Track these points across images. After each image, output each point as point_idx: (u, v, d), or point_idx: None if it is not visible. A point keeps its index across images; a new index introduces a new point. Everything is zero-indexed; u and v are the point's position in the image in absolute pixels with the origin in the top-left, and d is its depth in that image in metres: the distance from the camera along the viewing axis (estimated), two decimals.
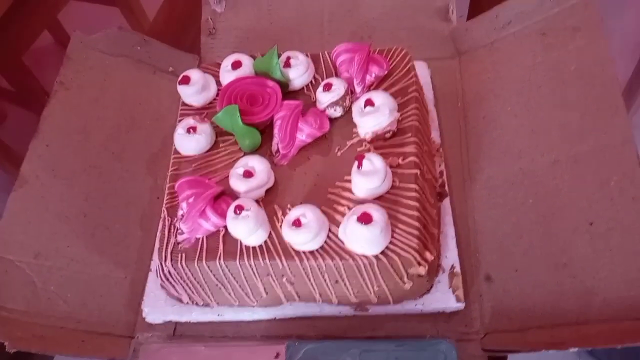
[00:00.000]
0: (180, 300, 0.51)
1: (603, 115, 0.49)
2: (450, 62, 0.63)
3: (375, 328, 0.48)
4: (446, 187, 0.53)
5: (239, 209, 0.44)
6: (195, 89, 0.53)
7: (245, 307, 0.50)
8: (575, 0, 0.55)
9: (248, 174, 0.47)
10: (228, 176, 0.48)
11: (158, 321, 0.52)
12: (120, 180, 0.59)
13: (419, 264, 0.44)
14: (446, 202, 0.52)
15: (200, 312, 0.51)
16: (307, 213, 0.44)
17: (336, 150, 0.50)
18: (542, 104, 0.53)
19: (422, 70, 0.60)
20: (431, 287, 0.48)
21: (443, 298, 0.47)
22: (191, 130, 0.50)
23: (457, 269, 0.48)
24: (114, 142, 0.60)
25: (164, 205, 0.49)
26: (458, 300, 0.47)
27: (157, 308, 0.51)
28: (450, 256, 0.49)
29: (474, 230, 0.52)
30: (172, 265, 0.46)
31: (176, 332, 0.51)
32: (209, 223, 0.46)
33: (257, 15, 0.68)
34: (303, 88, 0.54)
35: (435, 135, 0.56)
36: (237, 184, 0.47)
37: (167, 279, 0.48)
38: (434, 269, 0.48)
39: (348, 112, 0.51)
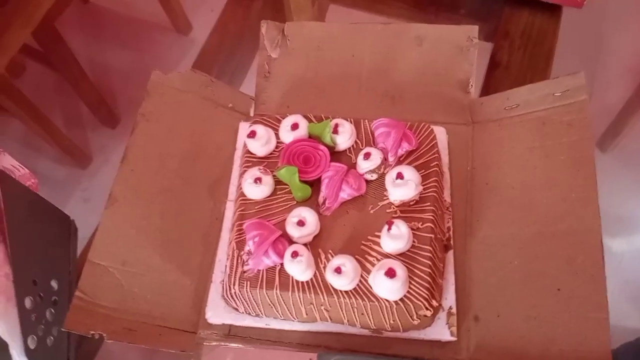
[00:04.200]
0: (237, 310, 0.65)
1: (579, 202, 0.63)
2: (465, 128, 0.75)
3: (386, 347, 0.63)
4: (451, 242, 0.67)
5: (295, 254, 0.58)
6: (260, 143, 0.66)
7: (287, 320, 0.65)
8: (572, 100, 0.68)
9: (301, 223, 0.61)
10: (284, 219, 0.62)
11: (217, 323, 0.66)
12: (186, 202, 0.72)
13: (427, 309, 0.58)
14: (450, 253, 0.67)
15: (252, 320, 0.65)
16: (347, 263, 0.58)
17: (369, 208, 0.63)
18: (535, 183, 0.67)
19: (441, 135, 0.73)
20: (432, 322, 0.63)
21: (440, 332, 0.62)
22: (257, 181, 0.64)
23: (454, 310, 0.63)
24: (183, 169, 0.73)
25: (233, 239, 0.63)
26: (452, 335, 0.62)
27: (218, 313, 0.66)
28: (450, 298, 0.64)
29: (469, 277, 0.66)
30: (239, 290, 0.60)
31: (230, 332, 0.66)
32: (270, 260, 0.59)
33: (306, 65, 0.80)
34: (346, 150, 0.67)
35: (447, 195, 0.70)
36: (292, 230, 0.61)
37: (232, 297, 0.62)
38: (437, 309, 0.63)
39: (381, 177, 0.64)
